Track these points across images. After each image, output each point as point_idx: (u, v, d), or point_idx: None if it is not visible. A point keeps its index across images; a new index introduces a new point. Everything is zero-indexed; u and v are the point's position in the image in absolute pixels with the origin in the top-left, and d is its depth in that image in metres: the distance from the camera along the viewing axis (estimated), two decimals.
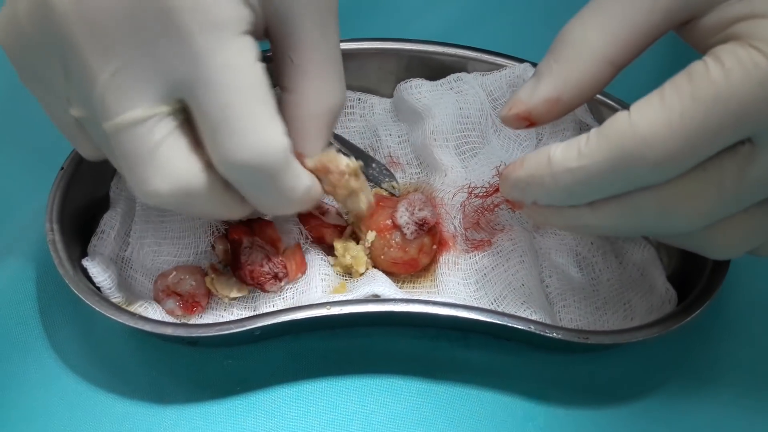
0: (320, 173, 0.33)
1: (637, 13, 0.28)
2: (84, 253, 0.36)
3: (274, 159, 0.29)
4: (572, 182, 0.28)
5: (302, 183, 0.31)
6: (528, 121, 0.30)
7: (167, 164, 0.29)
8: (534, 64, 0.42)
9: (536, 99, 0.29)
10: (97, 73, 0.27)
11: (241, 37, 0.28)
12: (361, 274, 0.37)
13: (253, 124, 0.28)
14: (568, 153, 0.28)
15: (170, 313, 0.36)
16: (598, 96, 0.41)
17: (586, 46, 0.28)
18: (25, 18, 0.28)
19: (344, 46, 0.42)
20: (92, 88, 0.28)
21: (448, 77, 0.42)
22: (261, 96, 0.28)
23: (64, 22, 0.27)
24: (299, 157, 0.32)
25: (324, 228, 0.38)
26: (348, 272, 0.37)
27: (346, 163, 0.33)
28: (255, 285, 0.36)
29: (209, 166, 0.30)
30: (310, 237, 0.38)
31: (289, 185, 0.30)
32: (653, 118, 0.26)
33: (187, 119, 0.29)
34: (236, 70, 0.28)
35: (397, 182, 0.41)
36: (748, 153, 0.27)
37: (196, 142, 0.30)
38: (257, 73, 0.28)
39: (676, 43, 0.30)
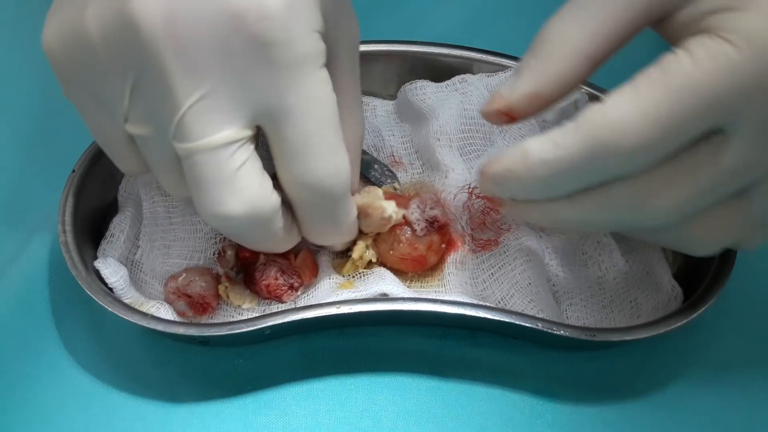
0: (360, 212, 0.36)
1: (614, 9, 0.28)
2: (96, 255, 0.37)
3: (343, 182, 0.31)
4: (548, 174, 0.28)
5: (354, 211, 0.34)
6: (508, 117, 0.30)
7: (245, 188, 0.30)
8: None
9: (516, 94, 0.30)
10: (182, 95, 0.28)
11: (322, 69, 0.30)
12: (367, 265, 0.37)
13: (330, 150, 0.30)
14: (544, 145, 0.28)
15: (181, 314, 0.36)
16: (602, 92, 0.41)
17: (564, 41, 0.29)
18: (96, 33, 0.28)
19: None
20: (172, 109, 0.28)
21: (453, 79, 0.43)
22: (336, 126, 0.31)
23: (152, 44, 0.27)
24: None
25: None
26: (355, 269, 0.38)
27: (392, 210, 0.36)
28: (273, 298, 0.36)
29: (274, 191, 0.31)
30: None
31: (345, 210, 0.33)
32: (626, 107, 0.26)
33: (257, 145, 0.31)
34: (319, 101, 0.30)
35: (399, 183, 0.41)
36: (720, 143, 0.27)
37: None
38: (334, 104, 0.30)
39: None
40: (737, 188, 0.29)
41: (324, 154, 0.30)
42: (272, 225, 0.32)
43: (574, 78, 0.29)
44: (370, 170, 0.41)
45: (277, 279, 0.36)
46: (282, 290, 0.36)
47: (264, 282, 0.36)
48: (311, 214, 0.33)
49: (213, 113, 0.28)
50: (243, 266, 0.37)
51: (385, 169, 0.41)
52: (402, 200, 0.38)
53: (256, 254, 0.36)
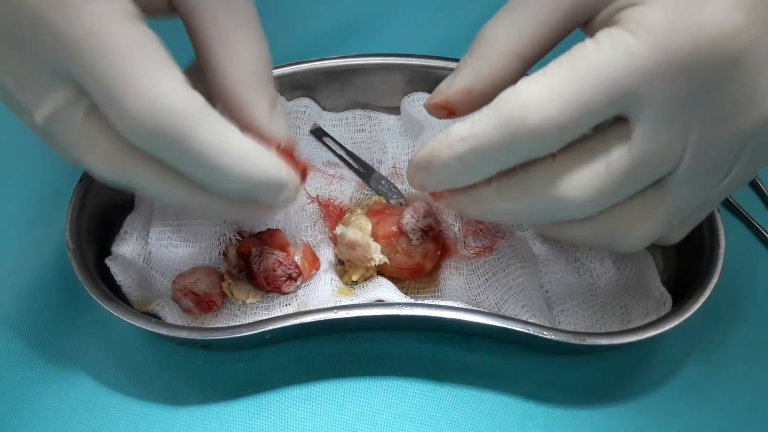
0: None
1: (540, 13, 0.30)
2: (101, 260, 0.38)
3: (172, 111, 0.26)
4: (465, 151, 0.30)
5: (230, 140, 0.28)
6: (447, 110, 0.32)
7: (94, 144, 0.29)
8: None
9: (453, 90, 0.31)
10: (3, 81, 0.28)
11: (96, 2, 0.26)
12: (366, 277, 0.38)
13: (138, 80, 0.26)
14: (463, 125, 0.30)
15: (187, 311, 0.37)
16: None
17: (496, 42, 0.31)
18: None
19: (348, 61, 0.44)
20: (9, 95, 0.29)
21: None
22: (138, 52, 0.26)
23: None
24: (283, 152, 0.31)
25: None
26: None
27: (377, 257, 0.37)
28: (273, 290, 0.37)
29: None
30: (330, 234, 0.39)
31: (209, 144, 0.27)
32: (534, 87, 0.28)
33: None
34: (101, 34, 0.26)
35: (404, 199, 0.42)
36: (629, 130, 0.29)
37: None
38: (129, 30, 0.26)
39: None
40: (651, 178, 0.30)
41: (136, 87, 0.26)
42: (149, 177, 0.29)
43: (505, 75, 0.31)
44: (378, 185, 0.42)
45: (275, 270, 0.36)
46: (280, 280, 0.37)
47: (263, 273, 0.36)
48: (176, 166, 0.29)
49: (27, 86, 0.28)
50: (243, 260, 0.38)
51: (392, 186, 0.42)
52: (396, 209, 0.38)
53: (249, 246, 0.37)
